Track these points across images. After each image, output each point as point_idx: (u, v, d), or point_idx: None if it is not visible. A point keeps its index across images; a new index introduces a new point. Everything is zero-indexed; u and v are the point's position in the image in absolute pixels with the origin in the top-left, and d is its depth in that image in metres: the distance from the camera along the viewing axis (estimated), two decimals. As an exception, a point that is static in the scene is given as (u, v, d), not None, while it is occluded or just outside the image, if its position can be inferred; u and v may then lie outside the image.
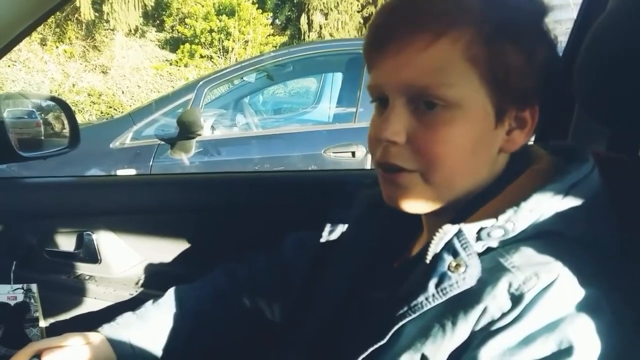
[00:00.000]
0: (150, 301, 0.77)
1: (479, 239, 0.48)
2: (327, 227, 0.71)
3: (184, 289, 0.79)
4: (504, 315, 0.44)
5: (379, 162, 0.54)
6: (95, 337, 0.69)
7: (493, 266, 0.46)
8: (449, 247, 0.47)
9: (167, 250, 1.13)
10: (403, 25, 0.50)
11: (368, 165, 2.57)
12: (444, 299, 0.45)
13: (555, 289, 0.43)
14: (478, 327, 0.44)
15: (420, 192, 0.52)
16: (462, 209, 0.54)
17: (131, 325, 0.72)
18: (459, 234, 0.47)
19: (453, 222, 0.49)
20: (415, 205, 0.53)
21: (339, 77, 3.37)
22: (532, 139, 0.92)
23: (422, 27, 0.49)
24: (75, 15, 9.23)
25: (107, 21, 9.51)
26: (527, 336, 0.43)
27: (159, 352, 0.73)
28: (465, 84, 0.49)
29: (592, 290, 0.44)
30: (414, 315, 0.46)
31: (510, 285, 0.44)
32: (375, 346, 0.48)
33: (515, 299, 0.43)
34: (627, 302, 0.46)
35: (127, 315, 0.74)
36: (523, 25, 0.50)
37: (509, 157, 0.56)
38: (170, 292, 0.78)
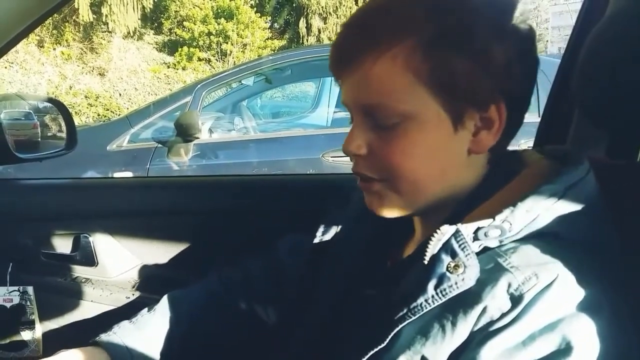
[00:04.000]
0: (146, 309, 0.77)
1: (476, 239, 0.47)
2: (321, 228, 0.71)
3: (179, 295, 0.79)
4: (503, 315, 0.44)
5: (353, 171, 0.57)
6: (92, 347, 0.68)
7: (492, 267, 0.46)
8: (447, 248, 0.47)
9: (164, 253, 1.12)
10: (352, 48, 0.52)
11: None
12: (444, 300, 0.45)
13: (555, 289, 0.43)
14: (477, 327, 0.44)
15: (391, 199, 0.54)
16: (454, 210, 0.54)
17: (128, 334, 0.72)
18: (456, 234, 0.47)
19: (447, 223, 0.48)
20: (390, 212, 0.55)
21: (337, 81, 3.37)
22: (531, 143, 0.93)
23: (365, 50, 0.51)
24: (73, 17, 9.24)
25: (105, 23, 9.52)
26: (526, 336, 0.43)
27: (157, 358, 0.72)
28: (412, 96, 0.50)
29: (591, 290, 0.44)
30: (413, 318, 0.46)
31: (509, 286, 0.44)
32: (375, 350, 0.48)
33: (515, 299, 0.43)
34: (625, 303, 0.46)
35: (124, 324, 0.73)
36: (471, 28, 0.49)
37: (488, 157, 0.55)
38: (165, 299, 0.78)
